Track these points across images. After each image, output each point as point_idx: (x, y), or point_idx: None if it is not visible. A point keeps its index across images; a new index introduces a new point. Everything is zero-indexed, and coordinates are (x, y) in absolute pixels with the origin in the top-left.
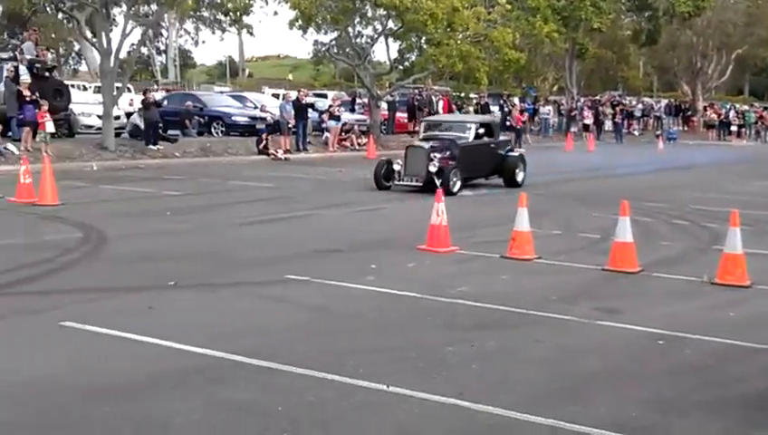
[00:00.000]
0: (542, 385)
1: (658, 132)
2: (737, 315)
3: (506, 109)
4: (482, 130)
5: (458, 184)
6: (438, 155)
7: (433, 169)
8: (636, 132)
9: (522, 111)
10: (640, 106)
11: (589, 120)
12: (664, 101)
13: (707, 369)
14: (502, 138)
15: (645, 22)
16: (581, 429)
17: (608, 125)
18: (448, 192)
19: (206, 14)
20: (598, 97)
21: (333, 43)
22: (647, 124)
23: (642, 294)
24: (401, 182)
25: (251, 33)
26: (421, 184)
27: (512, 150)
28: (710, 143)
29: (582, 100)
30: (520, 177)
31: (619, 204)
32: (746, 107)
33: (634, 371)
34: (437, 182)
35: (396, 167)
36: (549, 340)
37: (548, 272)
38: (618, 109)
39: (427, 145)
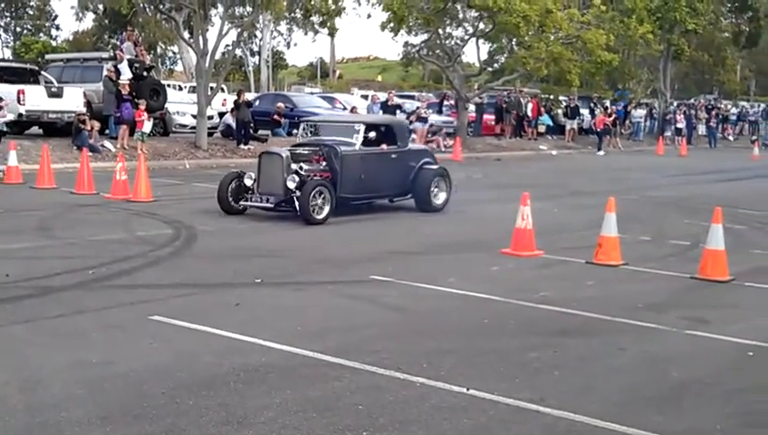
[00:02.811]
0: (625, 394)
1: (754, 138)
2: None
3: (597, 112)
4: (373, 135)
5: (326, 209)
6: (305, 166)
7: (292, 184)
8: (730, 137)
9: (609, 114)
10: (735, 110)
11: (681, 124)
12: (761, 106)
13: None
14: (415, 146)
15: (745, 24)
16: None
17: (701, 129)
18: (309, 219)
19: (298, 15)
20: (692, 100)
21: (423, 44)
22: (742, 129)
23: (733, 304)
24: (250, 202)
25: (332, 36)
26: (272, 205)
27: (430, 163)
28: None
29: (676, 103)
30: (440, 198)
31: (711, 211)
32: None
33: (722, 382)
34: (296, 203)
35: (248, 181)
36: (634, 348)
37: (635, 279)
38: (713, 113)
39: (284, 151)
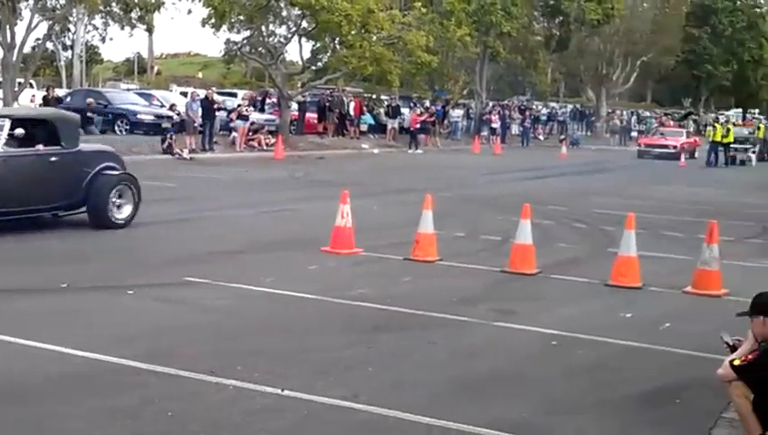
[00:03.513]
0: (436, 387)
1: (562, 137)
2: (630, 317)
3: (412, 111)
4: (22, 131)
5: None
6: None
7: None
8: (541, 137)
9: (431, 114)
10: (546, 111)
11: (496, 124)
12: (569, 107)
13: (601, 369)
14: (90, 146)
15: (556, 28)
16: (473, 429)
17: (515, 129)
18: None
19: (115, 8)
20: (506, 101)
21: (246, 41)
22: (551, 129)
23: (539, 296)
24: None
25: (150, 32)
26: None
27: (112, 168)
28: (612, 148)
29: (491, 104)
30: (123, 212)
31: (521, 207)
32: (647, 113)
33: (528, 372)
34: None
35: None
36: (445, 341)
37: (449, 274)
38: (526, 113)
39: None
